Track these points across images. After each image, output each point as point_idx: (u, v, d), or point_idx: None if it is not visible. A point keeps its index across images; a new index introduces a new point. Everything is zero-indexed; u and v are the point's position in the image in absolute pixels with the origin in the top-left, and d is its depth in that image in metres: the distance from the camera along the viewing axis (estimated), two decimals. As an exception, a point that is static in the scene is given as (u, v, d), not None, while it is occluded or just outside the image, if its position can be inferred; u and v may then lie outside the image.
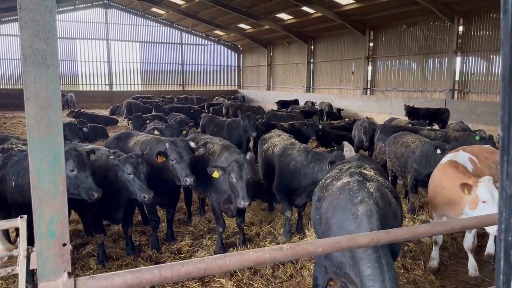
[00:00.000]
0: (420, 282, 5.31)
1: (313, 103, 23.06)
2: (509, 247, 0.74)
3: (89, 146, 6.00)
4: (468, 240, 5.37)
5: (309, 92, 30.08)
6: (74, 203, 5.04)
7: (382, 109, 22.39)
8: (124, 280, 2.07)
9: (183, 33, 36.73)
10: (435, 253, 5.69)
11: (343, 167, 4.39)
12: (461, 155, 5.63)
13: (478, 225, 3.63)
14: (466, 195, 4.63)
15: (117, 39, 34.73)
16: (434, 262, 5.66)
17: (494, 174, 5.55)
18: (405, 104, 18.25)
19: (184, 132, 8.34)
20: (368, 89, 25.25)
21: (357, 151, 10.36)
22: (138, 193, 5.02)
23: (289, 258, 2.58)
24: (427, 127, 9.76)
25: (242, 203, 5.23)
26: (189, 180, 5.48)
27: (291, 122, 11.92)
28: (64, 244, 2.07)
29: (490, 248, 6.10)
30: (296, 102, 24.44)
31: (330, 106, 22.70)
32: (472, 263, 5.47)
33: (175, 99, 24.55)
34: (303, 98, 26.72)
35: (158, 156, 5.55)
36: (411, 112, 16.96)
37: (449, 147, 6.81)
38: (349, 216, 3.42)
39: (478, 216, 3.57)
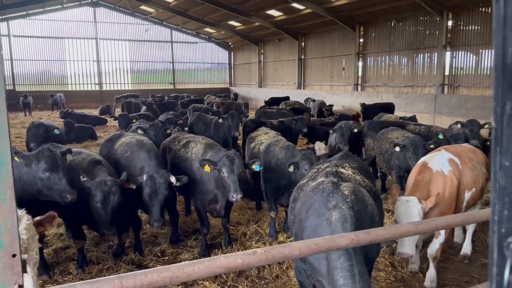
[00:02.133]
0: (408, 280, 5.23)
1: (313, 100, 22.89)
2: (502, 238, 0.74)
3: (66, 148, 5.87)
4: (434, 247, 4.98)
5: (301, 88, 29.98)
6: (52, 206, 4.87)
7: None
8: (82, 291, 1.93)
9: (173, 31, 36.42)
10: (415, 256, 5.43)
11: (321, 166, 4.27)
12: (441, 156, 5.21)
13: (463, 222, 3.54)
14: None
15: (106, 38, 34.32)
16: (414, 266, 5.44)
17: (479, 176, 5.37)
18: (360, 103, 18.93)
19: (168, 131, 8.18)
20: (359, 85, 25.20)
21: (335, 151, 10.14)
22: (100, 226, 4.97)
23: (263, 262, 2.46)
24: (413, 122, 9.62)
25: (235, 196, 5.19)
26: (156, 224, 5.38)
27: (280, 119, 11.80)
28: (14, 255, 1.92)
29: (466, 248, 5.95)
30: (286, 98, 24.28)
31: (323, 104, 22.56)
32: (431, 274, 5.05)
33: (166, 98, 24.28)
34: (294, 95, 26.60)
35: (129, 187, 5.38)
36: (366, 110, 17.95)
37: (421, 145, 6.77)
38: (323, 221, 3.31)
39: (463, 214, 3.48)
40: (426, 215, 4.35)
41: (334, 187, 3.53)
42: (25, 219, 2.85)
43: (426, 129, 8.94)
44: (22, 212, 2.91)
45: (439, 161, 5.09)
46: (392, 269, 5.51)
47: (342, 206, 3.33)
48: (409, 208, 4.27)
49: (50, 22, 32.41)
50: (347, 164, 4.23)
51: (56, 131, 9.34)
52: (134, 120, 9.76)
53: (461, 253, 5.95)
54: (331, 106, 20.82)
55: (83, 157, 5.65)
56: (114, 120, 12.05)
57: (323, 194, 3.50)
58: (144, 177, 5.29)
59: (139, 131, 7.79)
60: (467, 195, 5.20)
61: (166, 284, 2.13)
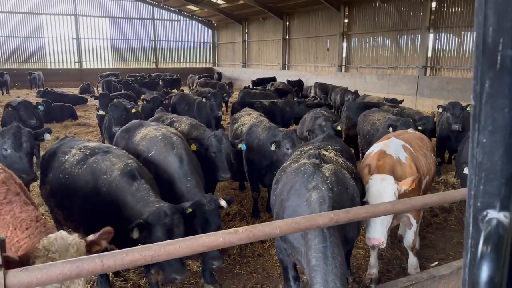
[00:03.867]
0: (387, 258, 5.38)
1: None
2: (477, 212, 0.76)
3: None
4: (409, 237, 4.74)
5: (285, 69, 29.85)
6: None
7: (357, 86, 22.28)
8: (62, 271, 1.93)
9: (155, 8, 35.54)
10: (373, 259, 4.80)
11: (304, 148, 4.34)
12: (395, 144, 4.89)
13: (440, 202, 3.64)
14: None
15: (86, 14, 33.29)
16: (374, 271, 4.76)
17: (431, 164, 5.15)
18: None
19: (134, 111, 8.06)
20: (343, 66, 25.23)
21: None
22: (169, 270, 3.54)
23: (245, 241, 2.50)
24: (386, 105, 9.59)
25: (223, 175, 5.36)
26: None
27: (274, 100, 11.75)
28: (-9, 235, 1.91)
29: (411, 267, 5.09)
30: (273, 79, 24.13)
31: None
32: (413, 262, 4.87)
33: (147, 78, 23.88)
34: (278, 76, 26.47)
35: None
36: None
37: (413, 126, 6.80)
38: (303, 201, 3.37)
39: (440, 193, 3.57)
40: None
41: (315, 168, 3.58)
42: (72, 242, 2.42)
43: (398, 111, 9.06)
44: (63, 234, 2.48)
45: (395, 148, 4.78)
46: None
47: (321, 187, 3.38)
48: (385, 187, 3.96)
49: (27, -4, 31.22)
50: (330, 146, 4.30)
51: (41, 107, 9.20)
52: (115, 100, 9.59)
53: (408, 271, 5.14)
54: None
55: (110, 164, 4.10)
56: (95, 99, 11.82)
57: (304, 175, 3.56)
58: (189, 208, 3.97)
59: (100, 112, 7.64)
60: (423, 184, 4.93)
61: (147, 262, 2.14)
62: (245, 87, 18.06)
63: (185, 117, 6.39)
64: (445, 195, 3.50)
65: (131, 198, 3.81)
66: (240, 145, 5.86)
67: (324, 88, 18.18)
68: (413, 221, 4.65)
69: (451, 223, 6.60)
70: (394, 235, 5.88)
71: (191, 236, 2.31)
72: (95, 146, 4.52)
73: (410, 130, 6.19)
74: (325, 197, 3.30)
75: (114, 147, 4.81)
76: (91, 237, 2.55)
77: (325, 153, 4.06)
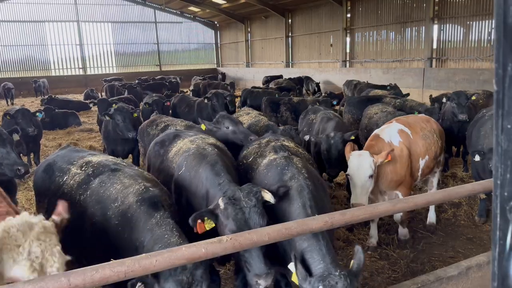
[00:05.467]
0: (393, 258, 5.17)
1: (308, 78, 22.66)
2: (504, 202, 0.75)
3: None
4: (397, 214, 5.21)
5: (289, 67, 29.60)
6: None
7: (362, 80, 22.14)
8: (23, 292, 1.77)
9: (156, 11, 35.51)
10: (373, 230, 5.44)
11: (262, 141, 4.33)
12: (392, 128, 5.44)
13: (444, 199, 3.43)
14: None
15: (88, 20, 33.37)
16: (372, 241, 5.41)
17: (431, 144, 5.59)
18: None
19: (135, 115, 7.92)
20: (347, 61, 24.92)
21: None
22: None
23: (230, 250, 2.32)
24: (388, 97, 9.41)
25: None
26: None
27: (301, 98, 11.79)
28: None
29: (431, 217, 6.08)
30: (280, 77, 23.88)
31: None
32: (403, 231, 5.51)
33: (150, 81, 23.80)
34: (283, 73, 26.25)
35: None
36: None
37: None
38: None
39: (444, 190, 3.35)
40: (379, 169, 4.72)
41: (287, 161, 3.59)
42: (38, 224, 2.21)
43: (400, 103, 8.83)
44: (24, 214, 2.30)
45: (389, 133, 5.28)
46: (376, 246, 5.45)
47: (298, 177, 3.39)
48: (362, 161, 4.50)
49: (29, 5, 31.34)
50: (284, 138, 4.41)
51: (39, 114, 9.15)
52: (114, 105, 9.47)
53: (427, 223, 6.08)
54: (318, 84, 20.58)
55: (122, 187, 3.25)
56: (94, 105, 11.72)
57: (277, 168, 3.57)
58: (221, 202, 3.10)
59: (106, 117, 7.51)
60: (422, 163, 5.40)
61: (120, 279, 1.98)
62: (252, 87, 17.70)
63: (179, 120, 6.25)
64: (450, 192, 3.28)
65: (149, 236, 2.86)
66: None
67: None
68: (400, 194, 5.11)
69: (461, 218, 6.36)
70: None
71: (169, 249, 2.14)
72: (99, 161, 3.64)
73: (416, 114, 6.61)
74: (303, 185, 3.30)
75: (124, 162, 3.92)
76: (55, 217, 2.42)
77: (287, 144, 4.10)
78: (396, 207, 2.96)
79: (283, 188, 3.23)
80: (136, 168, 3.79)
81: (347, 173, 4.69)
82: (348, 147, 4.85)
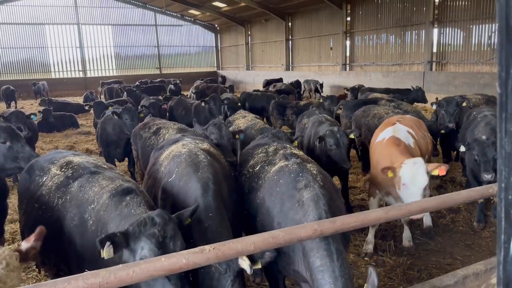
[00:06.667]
0: (389, 265, 5.07)
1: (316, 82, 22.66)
2: (509, 206, 0.75)
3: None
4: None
5: (289, 70, 29.56)
6: None
7: (362, 84, 22.07)
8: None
9: (157, 14, 35.53)
10: (370, 236, 5.36)
11: (268, 150, 4.10)
12: (401, 130, 5.33)
13: (439, 206, 3.33)
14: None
15: (88, 23, 33.38)
16: (369, 247, 5.31)
17: (428, 144, 5.62)
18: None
19: (141, 115, 7.86)
20: (347, 65, 24.87)
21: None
22: None
23: (213, 261, 2.22)
24: (384, 100, 9.37)
25: (229, 160, 5.08)
26: None
27: (308, 102, 11.82)
28: None
29: (427, 220, 6.00)
30: (280, 80, 23.79)
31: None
32: (406, 234, 5.45)
33: (148, 82, 23.74)
34: (283, 77, 26.20)
35: None
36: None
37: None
38: (294, 203, 3.11)
39: (439, 197, 3.26)
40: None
41: (301, 167, 3.38)
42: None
43: (395, 106, 8.76)
44: None
45: (403, 134, 5.23)
46: (373, 253, 5.34)
47: (313, 185, 3.17)
48: (418, 169, 4.27)
49: (29, 7, 31.39)
50: (290, 146, 4.25)
51: (33, 117, 9.04)
52: (110, 107, 9.40)
53: (424, 226, 6.00)
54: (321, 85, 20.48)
55: (99, 188, 3.16)
56: (89, 108, 11.66)
57: (290, 175, 3.34)
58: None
59: (114, 116, 7.42)
60: None
61: (94, 292, 1.88)
62: (254, 90, 17.58)
63: (172, 123, 6.18)
64: (446, 199, 3.19)
65: (118, 217, 2.83)
66: (238, 136, 5.84)
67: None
68: None
69: (459, 224, 6.25)
70: (399, 241, 5.56)
71: (148, 259, 2.05)
72: (79, 163, 3.52)
73: (407, 116, 6.48)
74: (319, 194, 3.08)
75: (106, 164, 3.79)
76: (24, 244, 2.23)
77: (296, 152, 3.89)
78: (389, 214, 2.86)
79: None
80: (118, 171, 3.70)
81: (402, 182, 4.35)
82: (387, 156, 4.78)
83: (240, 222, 3.64)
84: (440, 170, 4.36)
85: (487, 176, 5.14)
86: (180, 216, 2.79)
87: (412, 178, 4.27)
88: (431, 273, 4.82)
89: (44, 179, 3.51)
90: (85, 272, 1.89)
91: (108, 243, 2.42)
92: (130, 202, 2.88)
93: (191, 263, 2.10)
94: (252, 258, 2.70)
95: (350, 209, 6.60)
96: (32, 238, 2.26)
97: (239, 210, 3.72)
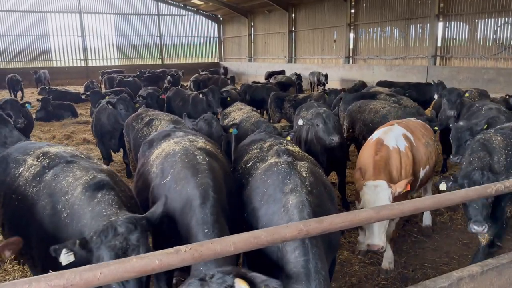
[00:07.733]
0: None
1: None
2: None
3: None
4: (389, 228, 4.47)
5: (291, 62, 29.28)
6: None
7: (365, 77, 21.68)
8: None
9: (159, 3, 35.19)
10: (361, 237, 5.07)
11: (263, 145, 3.88)
12: (395, 132, 4.94)
13: (434, 206, 3.20)
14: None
15: (90, 11, 33.09)
16: (362, 246, 4.92)
17: (432, 153, 5.26)
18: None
19: (137, 105, 7.71)
20: (351, 58, 24.61)
21: None
22: None
23: (189, 262, 2.10)
24: (383, 94, 9.20)
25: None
26: None
27: (307, 95, 11.67)
28: None
29: (426, 219, 5.85)
30: (282, 72, 23.53)
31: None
32: (388, 255, 4.72)
33: (147, 72, 23.51)
34: (286, 69, 25.95)
35: None
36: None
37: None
38: (279, 208, 2.95)
39: (435, 196, 3.13)
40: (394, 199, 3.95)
41: (291, 168, 3.18)
42: None
43: (395, 101, 8.59)
44: None
45: (394, 137, 4.80)
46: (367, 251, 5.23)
47: (300, 190, 2.99)
48: (378, 194, 3.88)
49: (31, -5, 31.15)
50: (285, 141, 3.98)
51: (28, 105, 8.90)
52: (107, 97, 9.27)
53: (423, 225, 5.85)
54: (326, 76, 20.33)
55: (73, 179, 3.07)
56: (86, 97, 11.52)
57: (278, 176, 3.15)
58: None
59: (109, 106, 7.29)
60: (422, 173, 5.02)
61: (58, 294, 1.77)
62: (253, 82, 17.42)
63: (165, 114, 6.05)
64: (441, 198, 3.06)
65: (89, 215, 2.75)
66: (231, 130, 5.70)
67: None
68: None
69: (457, 222, 6.12)
70: (394, 238, 5.44)
71: (118, 260, 1.94)
72: (56, 153, 3.44)
73: (413, 119, 6.04)
74: (304, 201, 2.90)
75: (83, 154, 3.65)
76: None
77: (291, 148, 3.67)
78: (380, 214, 2.74)
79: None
80: (95, 161, 3.63)
81: (360, 206, 4.05)
82: (357, 173, 4.23)
83: (240, 225, 3.32)
84: (407, 187, 4.06)
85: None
86: (149, 216, 2.74)
87: (370, 204, 3.93)
88: (426, 272, 4.71)
89: (20, 170, 3.42)
90: (48, 273, 1.77)
91: (65, 250, 2.39)
92: (101, 200, 2.83)
93: (165, 264, 1.98)
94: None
95: (347, 205, 6.51)
96: (3, 246, 2.25)
97: (239, 214, 3.42)
